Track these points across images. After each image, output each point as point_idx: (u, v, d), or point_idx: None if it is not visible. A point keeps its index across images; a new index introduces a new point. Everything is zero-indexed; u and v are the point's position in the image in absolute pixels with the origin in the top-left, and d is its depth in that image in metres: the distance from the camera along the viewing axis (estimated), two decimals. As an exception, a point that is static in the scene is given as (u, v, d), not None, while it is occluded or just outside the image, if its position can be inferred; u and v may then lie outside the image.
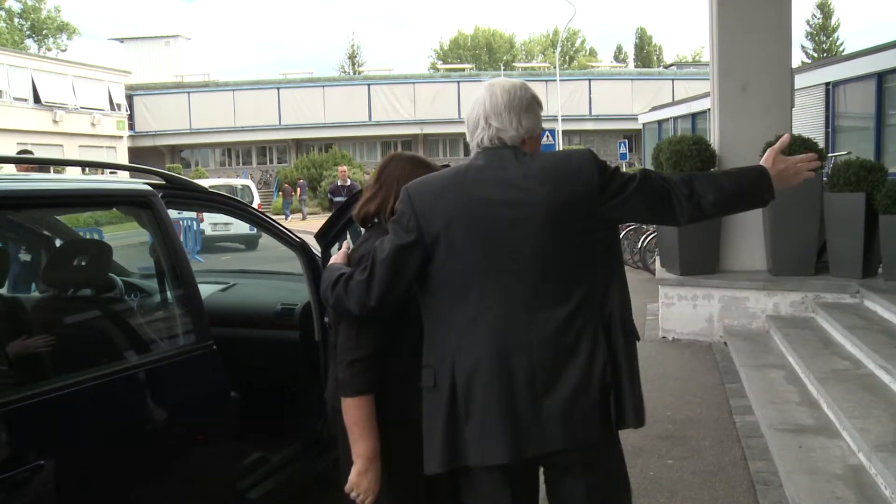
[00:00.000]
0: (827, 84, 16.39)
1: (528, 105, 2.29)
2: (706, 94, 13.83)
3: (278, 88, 46.45)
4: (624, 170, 2.37)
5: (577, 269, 2.19)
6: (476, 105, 2.28)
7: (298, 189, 36.44)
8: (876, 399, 4.81)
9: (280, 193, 37.77)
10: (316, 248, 3.95)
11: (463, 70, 55.31)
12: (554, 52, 44.19)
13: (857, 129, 15.89)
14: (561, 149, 2.16)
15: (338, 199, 14.49)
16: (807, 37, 54.33)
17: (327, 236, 3.51)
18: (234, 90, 46.53)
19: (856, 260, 7.17)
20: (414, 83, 47.38)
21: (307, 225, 23.75)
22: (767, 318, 7.36)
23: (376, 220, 2.56)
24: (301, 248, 3.88)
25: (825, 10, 54.62)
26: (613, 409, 2.18)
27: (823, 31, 54.50)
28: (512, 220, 2.16)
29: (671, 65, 60.21)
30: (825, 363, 5.70)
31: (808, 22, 54.49)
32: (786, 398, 5.47)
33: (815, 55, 51.54)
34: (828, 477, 4.09)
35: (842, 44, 53.74)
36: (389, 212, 2.45)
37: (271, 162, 48.54)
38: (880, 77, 14.74)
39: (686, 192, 2.25)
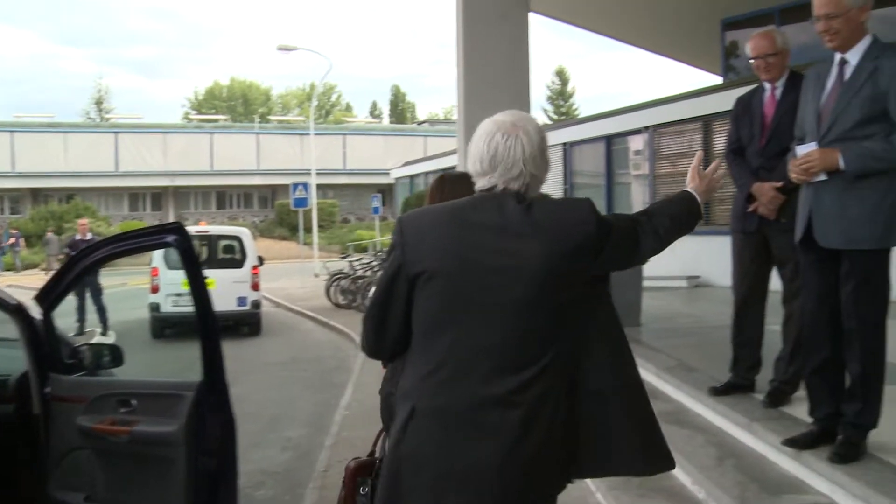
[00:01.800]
0: (564, 144, 17.64)
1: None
2: (456, 151, 14.39)
3: (12, 132, 42.85)
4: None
5: (556, 328, 2.08)
6: (512, 147, 2.11)
7: (13, 239, 33.19)
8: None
9: None
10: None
11: (217, 121, 54.14)
12: (310, 106, 44.38)
13: (592, 185, 17.19)
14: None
15: (77, 254, 13.43)
16: (547, 100, 58.53)
17: (50, 297, 3.18)
18: (-43, 131, 42.27)
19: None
20: (165, 133, 45.75)
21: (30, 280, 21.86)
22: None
23: None
24: (17, 310, 3.49)
25: (562, 77, 59.18)
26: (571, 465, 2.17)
27: (561, 96, 58.93)
28: (500, 269, 2.04)
29: (424, 121, 62.43)
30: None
31: (548, 87, 58.78)
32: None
33: (555, 117, 55.52)
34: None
35: (577, 108, 58.36)
36: None
37: (3, 212, 44.51)
38: (609, 140, 16.12)
39: (651, 227, 2.24)
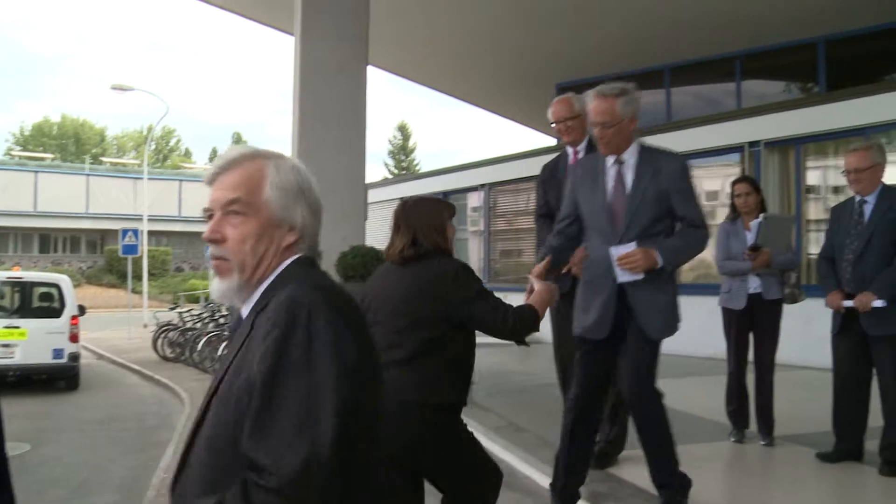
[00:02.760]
0: (402, 199, 17.76)
1: None
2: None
3: None
4: None
5: None
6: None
7: None
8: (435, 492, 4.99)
9: None
10: None
11: (44, 160, 51.27)
12: (147, 149, 42.84)
13: (429, 240, 17.37)
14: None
15: None
16: (389, 154, 58.98)
17: None
18: None
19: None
20: (-18, 169, 42.75)
21: None
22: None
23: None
24: None
25: (404, 133, 59.91)
26: None
27: (403, 150, 59.61)
28: None
29: (265, 170, 61.51)
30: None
31: (390, 141, 59.28)
32: None
33: (396, 171, 56.04)
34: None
35: (418, 163, 59.11)
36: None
37: None
38: (446, 196, 16.38)
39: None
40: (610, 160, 3.85)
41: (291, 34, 8.82)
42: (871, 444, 4.90)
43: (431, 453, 2.99)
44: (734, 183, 5.77)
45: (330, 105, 8.23)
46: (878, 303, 4.64)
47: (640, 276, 3.73)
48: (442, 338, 2.99)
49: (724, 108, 13.34)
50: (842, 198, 10.18)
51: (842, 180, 9.95)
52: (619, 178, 3.82)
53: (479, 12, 13.71)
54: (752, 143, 10.18)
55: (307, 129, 8.27)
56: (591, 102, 3.78)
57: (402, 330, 3.00)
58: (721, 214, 11.26)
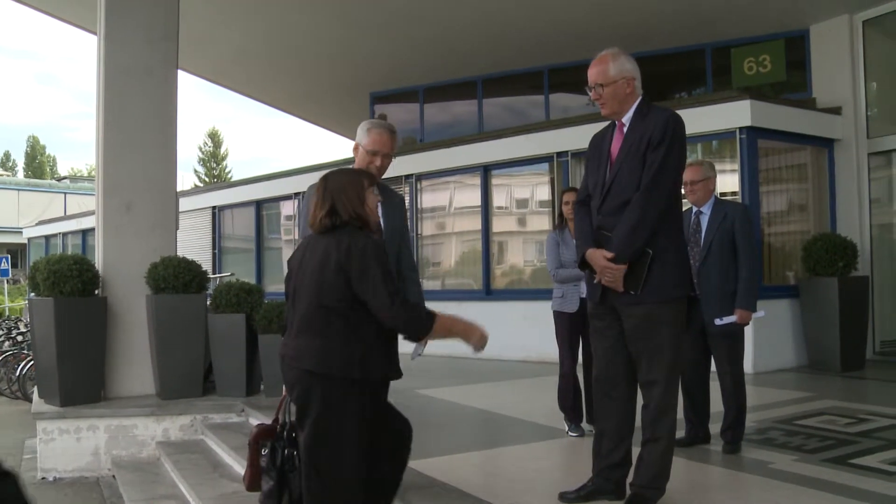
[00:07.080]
0: (214, 208, 17.20)
1: None
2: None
3: None
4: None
5: None
6: None
7: None
8: None
9: None
10: None
11: None
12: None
13: (242, 250, 16.91)
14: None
15: None
16: (199, 162, 56.96)
17: None
18: None
19: (239, 379, 7.38)
20: None
21: None
22: (158, 445, 7.07)
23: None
24: None
25: (215, 140, 58.08)
26: None
27: (214, 158, 57.76)
28: None
29: (65, 178, 58.24)
30: (214, 488, 5.57)
31: (200, 149, 57.27)
32: (174, 531, 5.19)
33: (207, 180, 54.22)
34: None
35: (230, 171, 57.56)
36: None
37: None
38: (259, 204, 16.02)
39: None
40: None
41: (95, 33, 8.31)
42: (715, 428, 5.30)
43: (316, 425, 2.99)
44: (565, 191, 5.98)
45: (138, 109, 7.80)
46: (758, 314, 5.20)
47: None
48: (345, 310, 3.01)
49: (533, 119, 13.83)
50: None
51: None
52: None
53: (290, 18, 13.50)
54: (560, 154, 10.61)
55: (113, 135, 7.79)
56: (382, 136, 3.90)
57: (312, 300, 3.05)
58: (533, 221, 11.71)
